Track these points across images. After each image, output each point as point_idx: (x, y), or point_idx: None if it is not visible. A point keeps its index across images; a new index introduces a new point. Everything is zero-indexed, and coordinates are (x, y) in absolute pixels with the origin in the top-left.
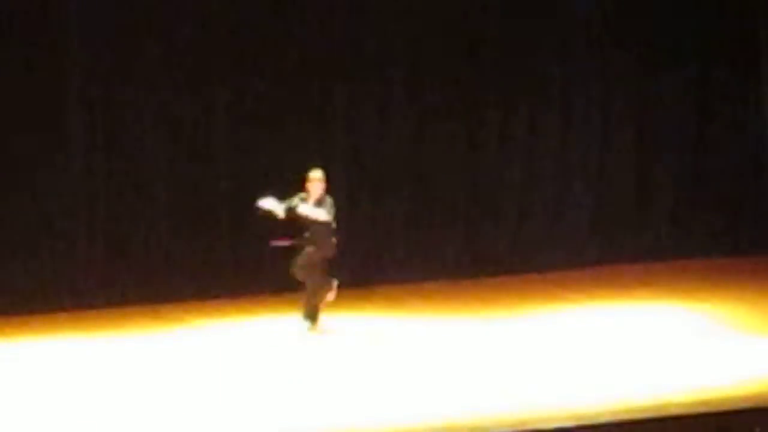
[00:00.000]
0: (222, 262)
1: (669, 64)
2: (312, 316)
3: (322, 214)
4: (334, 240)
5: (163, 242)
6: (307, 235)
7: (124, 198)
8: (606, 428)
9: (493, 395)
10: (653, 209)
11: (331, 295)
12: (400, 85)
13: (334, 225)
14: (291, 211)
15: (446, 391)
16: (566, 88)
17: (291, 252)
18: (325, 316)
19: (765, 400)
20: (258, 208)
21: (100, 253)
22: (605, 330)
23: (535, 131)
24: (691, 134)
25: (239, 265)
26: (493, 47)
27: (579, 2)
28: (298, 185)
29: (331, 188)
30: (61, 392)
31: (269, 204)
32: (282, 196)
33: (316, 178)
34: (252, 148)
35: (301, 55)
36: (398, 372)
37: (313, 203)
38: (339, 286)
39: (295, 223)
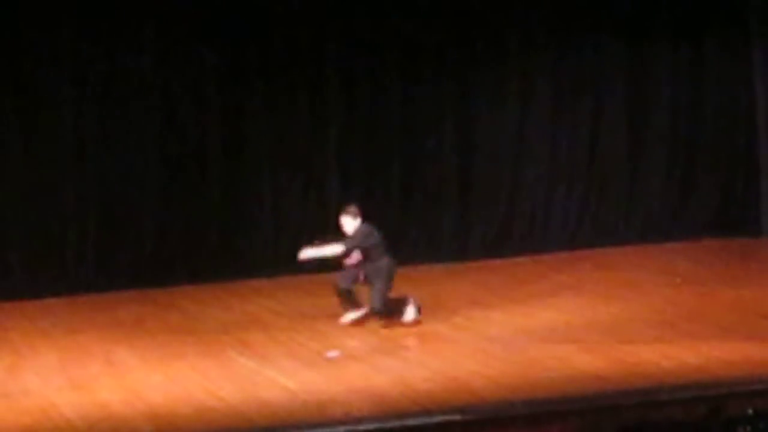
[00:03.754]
0: (215, 246)
1: (660, 47)
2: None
3: (329, 250)
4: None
5: (155, 226)
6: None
7: (114, 182)
8: (597, 412)
9: (484, 378)
10: (645, 192)
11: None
12: (391, 66)
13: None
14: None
15: (435, 373)
16: (558, 71)
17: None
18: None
19: (757, 382)
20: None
21: (91, 238)
22: (596, 312)
23: (526, 114)
24: (683, 116)
25: (233, 249)
26: (482, 25)
27: None
28: (290, 162)
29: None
30: (54, 378)
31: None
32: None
33: (342, 216)
34: (245, 128)
35: (293, 33)
36: (387, 353)
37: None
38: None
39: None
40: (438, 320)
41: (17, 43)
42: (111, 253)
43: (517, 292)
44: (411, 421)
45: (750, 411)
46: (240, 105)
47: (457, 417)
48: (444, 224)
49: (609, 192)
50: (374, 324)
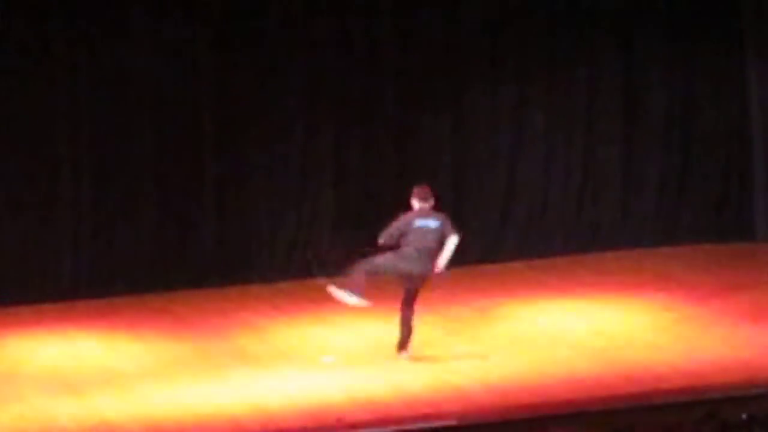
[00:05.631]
0: (210, 251)
1: (654, 52)
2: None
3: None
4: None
5: (150, 232)
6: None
7: (109, 187)
8: (592, 417)
9: (480, 383)
10: (639, 196)
11: None
12: (386, 73)
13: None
14: None
15: (431, 378)
16: (552, 76)
17: None
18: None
19: (753, 387)
20: None
21: (86, 244)
22: (591, 317)
23: (520, 120)
24: (677, 121)
25: (228, 255)
26: (476, 27)
27: None
28: (284, 167)
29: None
30: (49, 385)
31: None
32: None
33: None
34: (240, 132)
35: (289, 37)
36: (383, 359)
37: None
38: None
39: None
40: (433, 325)
41: (10, 42)
42: (106, 259)
43: (512, 297)
44: (407, 427)
45: (744, 416)
46: (234, 109)
47: (453, 423)
48: None
49: (604, 197)
50: (369, 329)
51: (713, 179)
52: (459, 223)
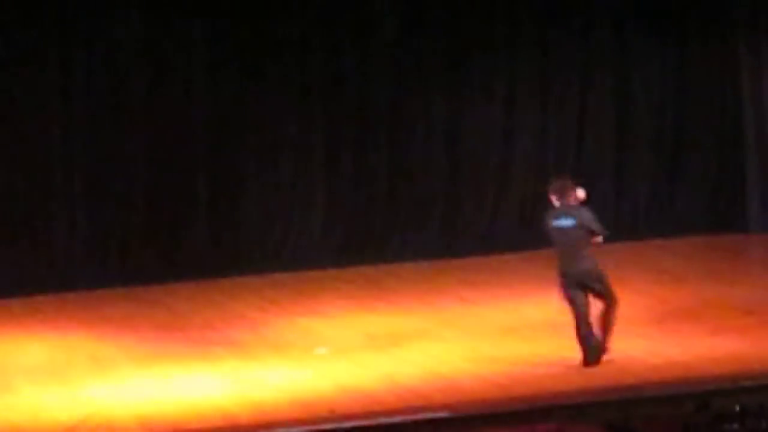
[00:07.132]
0: (202, 243)
1: (646, 43)
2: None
3: None
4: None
5: (142, 223)
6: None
7: (102, 179)
8: (585, 409)
9: (472, 375)
10: (632, 188)
11: None
12: (379, 63)
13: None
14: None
15: (422, 370)
16: (544, 69)
17: None
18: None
19: (744, 378)
20: None
21: (78, 236)
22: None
23: (513, 111)
24: (669, 112)
25: (220, 247)
26: (469, 20)
27: None
28: (277, 159)
29: None
30: (41, 376)
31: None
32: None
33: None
34: (232, 126)
35: (282, 29)
36: (375, 351)
37: None
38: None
39: None
40: (425, 317)
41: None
42: (98, 250)
43: (505, 289)
44: (399, 419)
45: (737, 407)
46: (227, 102)
47: (444, 414)
48: (431, 221)
49: (596, 189)
50: (361, 321)
51: (706, 171)
52: (451, 215)
